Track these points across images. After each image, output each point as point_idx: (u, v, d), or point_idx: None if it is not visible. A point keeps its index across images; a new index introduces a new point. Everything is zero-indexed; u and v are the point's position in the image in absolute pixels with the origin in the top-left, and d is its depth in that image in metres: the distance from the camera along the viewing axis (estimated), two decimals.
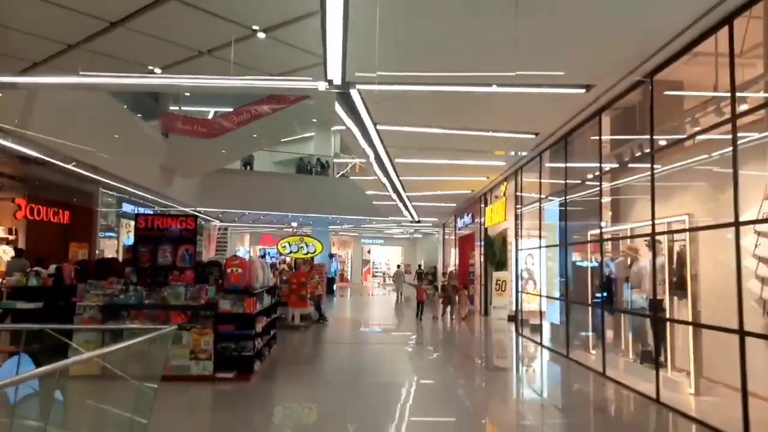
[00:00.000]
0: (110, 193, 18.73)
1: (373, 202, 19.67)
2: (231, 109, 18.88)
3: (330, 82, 6.19)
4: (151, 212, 16.83)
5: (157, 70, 7.27)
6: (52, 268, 8.56)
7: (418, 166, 12.24)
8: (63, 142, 12.33)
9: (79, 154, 13.55)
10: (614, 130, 9.20)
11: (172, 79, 7.50)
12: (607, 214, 9.75)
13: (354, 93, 6.85)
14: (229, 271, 7.77)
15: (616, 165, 8.74)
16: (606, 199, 9.40)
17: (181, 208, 22.90)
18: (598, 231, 8.87)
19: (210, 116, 20.41)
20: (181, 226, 8.83)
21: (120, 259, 13.83)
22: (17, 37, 6.47)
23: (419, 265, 35.40)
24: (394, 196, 16.33)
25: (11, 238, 17.09)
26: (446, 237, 28.28)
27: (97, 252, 17.20)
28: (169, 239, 8.75)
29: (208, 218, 27.67)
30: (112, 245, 19.30)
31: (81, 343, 7.42)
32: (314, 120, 18.94)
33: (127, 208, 20.13)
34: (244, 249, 33.76)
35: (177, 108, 22.61)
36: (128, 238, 19.11)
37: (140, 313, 7.77)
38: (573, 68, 6.57)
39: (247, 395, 7.26)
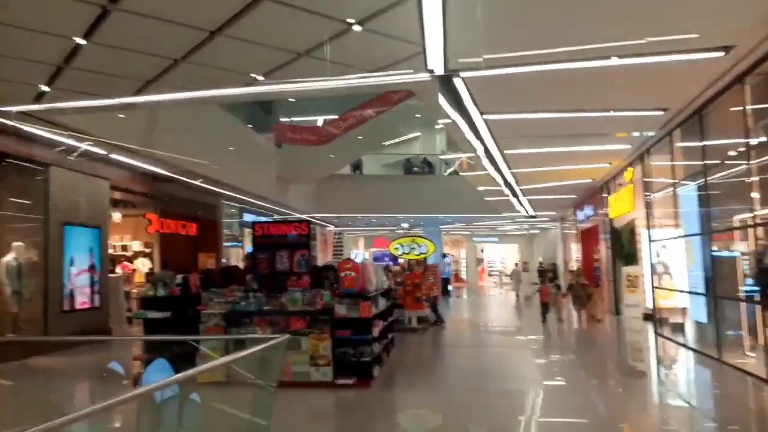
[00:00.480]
0: (232, 204, 19.71)
1: (485, 198, 19.03)
2: (337, 116, 19.26)
3: (431, 71, 5.85)
4: (269, 220, 17.40)
5: (259, 78, 7.33)
6: (179, 277, 8.96)
7: (531, 157, 11.55)
8: (185, 158, 13.07)
9: (201, 169, 14.32)
10: (759, 99, 8.02)
11: (274, 86, 7.54)
12: (758, 195, 8.53)
13: (458, 82, 6.46)
14: (342, 275, 7.67)
15: (765, 139, 7.59)
16: (754, 179, 8.21)
17: (298, 215, 23.67)
18: (746, 215, 7.75)
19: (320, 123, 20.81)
20: (295, 231, 8.89)
21: (241, 266, 14.42)
22: (129, 57, 6.77)
23: (540, 263, 33.99)
24: (507, 191, 15.65)
25: (147, 251, 18.51)
26: (566, 231, 26.85)
27: (223, 261, 18.13)
28: (286, 245, 8.83)
29: (324, 223, 28.41)
30: (238, 254, 20.31)
31: (207, 351, 7.65)
32: (419, 115, 18.69)
33: (248, 218, 21.09)
34: (358, 252, 34.31)
35: (288, 119, 23.45)
36: (251, 246, 19.98)
37: (261, 320, 7.88)
38: (708, 28, 5.71)
39: (368, 402, 7.09)
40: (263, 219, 20.66)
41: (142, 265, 18.06)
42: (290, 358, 7.50)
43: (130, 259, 18.44)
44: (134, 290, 13.18)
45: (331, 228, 30.17)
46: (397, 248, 15.69)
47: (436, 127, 28.30)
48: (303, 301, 7.80)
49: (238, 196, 18.64)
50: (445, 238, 34.91)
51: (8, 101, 8.37)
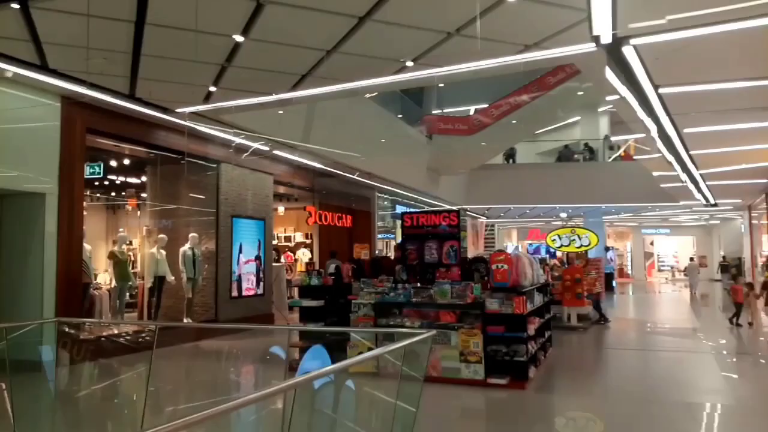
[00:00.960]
0: (384, 196, 20.03)
1: (661, 186, 17.20)
2: (488, 105, 18.68)
3: (596, 40, 5.17)
4: (418, 211, 17.34)
5: (409, 63, 7.10)
6: (332, 267, 9.14)
7: (714, 136, 10.05)
8: (340, 152, 13.43)
9: (355, 162, 14.65)
10: None
11: (426, 71, 7.29)
12: None
13: (628, 51, 5.66)
14: (494, 267, 7.22)
15: None
16: None
17: (449, 207, 23.44)
18: None
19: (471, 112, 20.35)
20: (444, 222, 8.62)
21: (392, 257, 14.53)
22: (283, 52, 6.91)
23: (722, 257, 30.27)
24: (683, 176, 13.92)
25: (308, 242, 19.50)
26: (754, 222, 23.50)
27: (376, 252, 18.49)
28: (435, 236, 8.60)
29: (475, 215, 27.88)
30: (390, 245, 20.62)
31: (357, 341, 7.68)
32: (580, 93, 17.39)
33: (400, 209, 21.31)
34: (511, 244, 33.24)
35: (438, 110, 23.29)
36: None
37: (411, 311, 7.72)
38: None
39: (523, 404, 6.60)
40: (413, 210, 20.74)
41: (303, 255, 19.08)
42: (439, 353, 7.24)
43: (293, 250, 19.59)
44: (295, 278, 13.86)
45: (483, 219, 29.53)
46: (554, 240, 14.74)
47: (599, 110, 26.41)
48: (452, 293, 7.50)
49: (390, 188, 18.88)
50: (608, 229, 32.48)
51: (182, 103, 9.11)
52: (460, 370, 7.14)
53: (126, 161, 11.85)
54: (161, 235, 10.99)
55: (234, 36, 6.42)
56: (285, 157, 13.32)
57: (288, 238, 19.66)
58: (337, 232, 18.40)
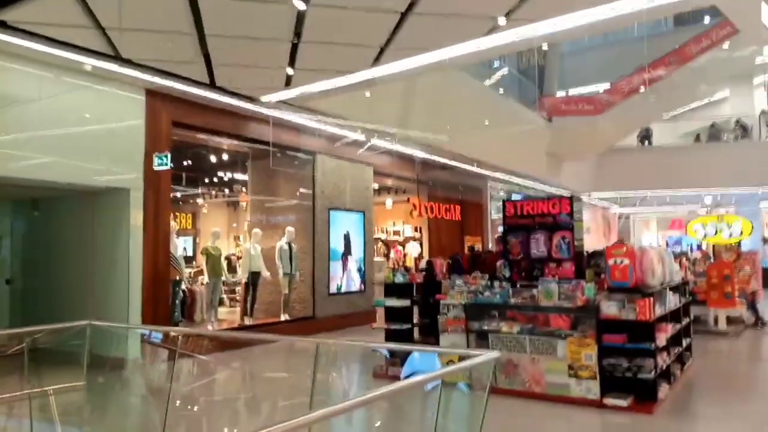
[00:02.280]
0: (498, 186, 18.64)
1: None
2: (617, 81, 16.79)
3: None
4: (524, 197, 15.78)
5: (501, 20, 5.97)
6: (424, 262, 8.21)
7: None
8: (443, 139, 12.45)
9: (463, 149, 13.59)
10: None
11: (524, 28, 6.11)
12: None
13: None
14: (611, 263, 5.86)
15: None
16: None
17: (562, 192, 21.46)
18: None
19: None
20: (554, 210, 7.36)
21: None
22: (354, 18, 6.11)
23: None
24: None
25: (417, 236, 18.68)
26: None
27: (489, 246, 17.23)
28: (542, 226, 7.38)
29: (606, 204, 25.44)
30: None
31: (446, 345, 6.70)
32: (731, 56, 14.85)
33: (516, 199, 19.78)
34: (647, 236, 29.99)
35: (563, 94, 21.36)
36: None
37: (512, 314, 6.57)
38: None
39: None
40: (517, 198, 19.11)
41: (413, 249, 18.30)
42: (543, 365, 6.04)
43: (402, 244, 18.89)
44: (377, 276, 13.08)
45: (615, 209, 26.88)
46: (696, 230, 12.52)
47: (754, 82, 22.93)
48: (560, 294, 6.25)
49: (504, 177, 17.49)
50: (767, 218, 28.18)
51: (265, 89, 8.65)
52: (570, 386, 5.89)
53: (226, 156, 11.81)
54: (255, 230, 10.72)
55: (294, 2, 5.71)
56: (385, 147, 12.56)
57: (397, 232, 18.98)
58: (447, 225, 17.39)
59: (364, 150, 12.26)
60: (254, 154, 11.74)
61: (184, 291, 10.57)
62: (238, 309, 11.72)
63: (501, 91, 16.06)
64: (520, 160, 16.48)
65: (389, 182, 17.37)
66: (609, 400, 5.66)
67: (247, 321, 10.41)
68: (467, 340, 6.55)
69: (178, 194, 12.28)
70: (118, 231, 8.09)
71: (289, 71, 7.84)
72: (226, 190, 13.73)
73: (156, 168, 7.73)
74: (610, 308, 5.74)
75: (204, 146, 11.25)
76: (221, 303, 11.62)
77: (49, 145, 7.15)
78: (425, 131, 11.76)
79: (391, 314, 7.39)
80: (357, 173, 12.56)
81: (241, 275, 10.64)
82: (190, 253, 14.34)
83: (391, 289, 7.45)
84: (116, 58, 7.10)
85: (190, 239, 15.71)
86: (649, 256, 5.85)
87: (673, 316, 6.89)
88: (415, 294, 7.75)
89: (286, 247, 10.90)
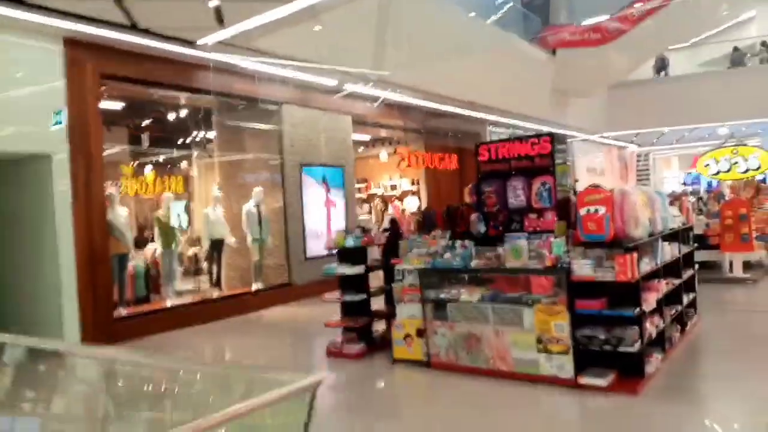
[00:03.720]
0: (499, 131, 17.31)
1: None
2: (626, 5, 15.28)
3: None
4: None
5: None
6: (387, 220, 7.20)
7: None
8: (428, 79, 11.29)
9: (457, 91, 12.40)
10: None
11: None
12: None
13: None
14: (582, 212, 4.77)
15: None
16: None
17: (583, 136, 20.02)
18: None
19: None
20: (532, 151, 6.28)
21: None
22: None
23: None
24: None
25: (414, 189, 17.60)
26: None
27: None
28: (520, 171, 6.32)
29: (621, 143, 23.91)
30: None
31: (404, 319, 5.77)
32: None
33: None
34: (670, 175, 28.38)
35: (563, 21, 19.64)
36: None
37: (477, 279, 5.58)
38: None
39: (634, 420, 4.25)
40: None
41: (411, 203, 17.27)
42: (507, 338, 5.08)
43: (400, 198, 17.85)
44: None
45: (633, 148, 25.30)
46: (707, 165, 11.15)
47: None
48: (530, 252, 5.22)
49: (505, 120, 16.18)
50: None
51: (196, 30, 7.55)
52: (539, 362, 4.93)
53: (186, 111, 10.79)
54: (215, 192, 9.80)
55: None
56: (364, 94, 11.38)
57: (393, 187, 17.92)
58: (445, 175, 16.24)
59: (340, 97, 11.13)
60: (220, 109, 10.74)
61: (148, 266, 9.79)
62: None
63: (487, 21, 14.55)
64: (521, 100, 15.15)
65: (383, 133, 16.24)
66: (585, 379, 4.69)
67: (215, 293, 9.62)
68: (423, 312, 5.60)
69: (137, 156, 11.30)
70: (42, 203, 7.20)
71: (214, 1, 6.75)
72: (194, 150, 12.66)
73: (52, 128, 6.75)
74: (582, 268, 4.69)
75: (160, 102, 10.27)
76: (197, 273, 10.84)
77: None
78: (406, 71, 10.58)
79: (347, 283, 6.45)
80: (332, 124, 11.45)
81: (201, 244, 9.81)
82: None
83: (343, 255, 6.48)
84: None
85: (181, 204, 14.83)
86: (631, 200, 4.73)
87: (670, 270, 5.82)
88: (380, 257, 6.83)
89: (254, 210, 9.99)
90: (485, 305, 5.22)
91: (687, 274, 6.42)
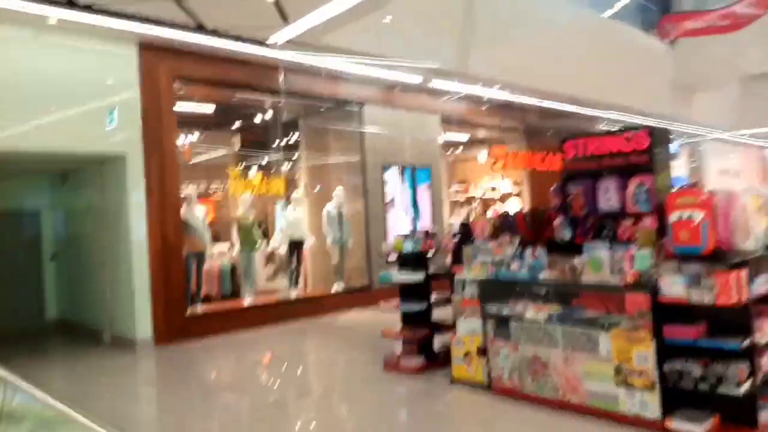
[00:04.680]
0: (612, 129, 15.81)
1: None
2: None
3: None
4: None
5: None
6: (457, 224, 6.54)
7: None
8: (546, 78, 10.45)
9: (560, 87, 11.42)
10: None
11: None
12: None
13: None
14: (673, 218, 3.85)
15: None
16: None
17: (714, 135, 17.85)
18: None
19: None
20: (627, 147, 5.38)
21: None
22: None
23: None
24: None
25: (516, 191, 16.57)
26: None
27: None
28: (613, 171, 5.45)
29: (760, 144, 21.12)
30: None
31: (464, 335, 5.12)
32: None
33: None
34: None
35: (696, 9, 17.62)
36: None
37: (549, 295, 4.79)
38: None
39: None
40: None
41: (513, 206, 16.27)
42: (579, 366, 4.26)
43: (503, 201, 16.91)
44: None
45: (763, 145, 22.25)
46: None
47: None
48: (612, 265, 4.35)
49: (616, 116, 14.74)
50: None
51: (262, 29, 7.36)
52: (617, 398, 4.07)
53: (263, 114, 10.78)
54: (294, 194, 9.65)
55: None
56: (454, 91, 10.73)
57: (494, 189, 16.99)
58: (550, 177, 15.07)
59: (429, 96, 10.59)
60: (305, 111, 10.65)
61: (234, 265, 9.90)
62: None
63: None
64: (636, 95, 13.72)
65: (481, 134, 15.47)
66: (676, 424, 3.78)
67: (293, 294, 9.46)
68: (483, 329, 4.91)
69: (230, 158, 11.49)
70: (120, 200, 7.39)
71: None
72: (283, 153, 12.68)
73: (107, 128, 6.81)
74: (673, 287, 3.78)
75: (247, 106, 10.34)
76: (277, 273, 10.83)
77: (34, 113, 6.47)
78: (498, 66, 9.83)
79: (406, 292, 5.89)
80: (418, 124, 10.93)
81: (279, 244, 9.69)
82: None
83: (404, 261, 5.94)
84: (74, 5, 6.20)
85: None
86: (739, 204, 3.75)
87: None
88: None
89: (334, 212, 9.73)
90: (553, 326, 4.43)
91: None
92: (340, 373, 6.26)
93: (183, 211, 7.90)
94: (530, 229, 6.55)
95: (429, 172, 11.09)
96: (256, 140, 11.53)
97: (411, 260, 5.83)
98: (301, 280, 9.82)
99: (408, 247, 5.73)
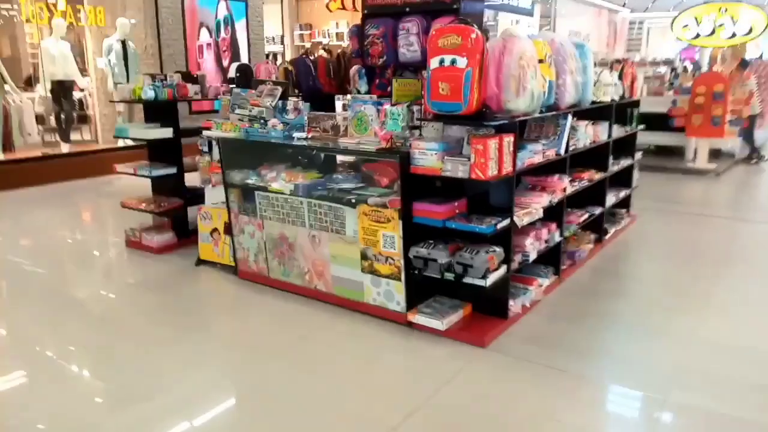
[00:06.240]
0: None
1: None
2: None
3: None
4: None
5: None
6: (234, 66, 5.27)
7: None
8: None
9: None
10: None
11: None
12: None
13: None
14: (433, 65, 2.94)
15: None
16: None
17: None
18: None
19: None
20: None
21: None
22: None
23: None
24: None
25: None
26: None
27: None
28: (415, 11, 4.39)
29: (612, 7, 21.08)
30: None
31: (211, 208, 4.13)
32: None
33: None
34: (667, 47, 25.67)
35: None
36: None
37: (312, 160, 3.88)
38: None
39: (471, 388, 2.76)
40: None
41: None
42: (327, 248, 3.49)
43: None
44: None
45: (624, 13, 22.45)
46: (686, 25, 8.90)
47: None
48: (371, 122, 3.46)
49: None
50: None
51: None
52: (363, 287, 3.39)
53: None
54: (56, 20, 7.62)
55: None
56: None
57: (340, 36, 15.44)
58: None
59: None
60: None
61: None
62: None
63: None
64: None
65: None
66: (418, 317, 3.18)
67: (64, 148, 7.84)
68: (226, 199, 3.93)
69: None
70: None
71: None
72: None
73: None
74: (425, 155, 2.96)
75: None
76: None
77: None
78: None
79: (155, 151, 4.70)
80: None
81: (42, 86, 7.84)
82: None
83: (148, 112, 4.66)
84: None
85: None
86: (515, 51, 2.88)
87: (590, 160, 4.15)
88: None
89: (118, 45, 7.90)
90: (299, 198, 3.55)
91: (621, 164, 4.77)
92: (76, 248, 5.11)
93: None
94: (332, 78, 5.55)
95: (245, 5, 9.36)
96: None
97: (159, 111, 4.56)
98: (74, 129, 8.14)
99: (149, 93, 4.38)
